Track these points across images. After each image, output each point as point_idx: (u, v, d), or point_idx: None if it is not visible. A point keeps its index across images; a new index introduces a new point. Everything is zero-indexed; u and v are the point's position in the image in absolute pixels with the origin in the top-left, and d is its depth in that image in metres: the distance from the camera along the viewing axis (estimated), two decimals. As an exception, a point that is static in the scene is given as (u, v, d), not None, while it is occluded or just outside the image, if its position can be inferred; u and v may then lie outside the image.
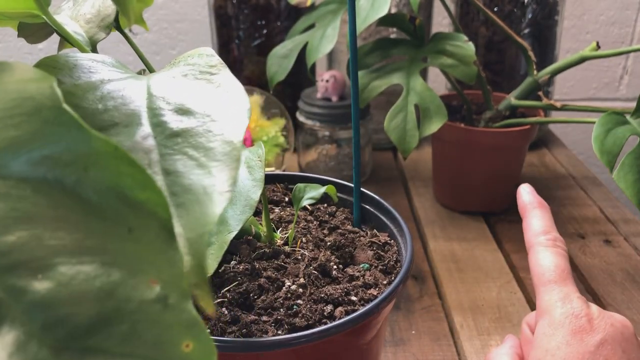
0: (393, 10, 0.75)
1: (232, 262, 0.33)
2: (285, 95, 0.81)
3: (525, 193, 0.37)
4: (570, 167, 0.79)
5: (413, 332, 0.48)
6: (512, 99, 0.63)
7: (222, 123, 0.22)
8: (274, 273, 0.32)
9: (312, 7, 0.67)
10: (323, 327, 0.27)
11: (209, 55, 0.26)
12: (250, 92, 0.75)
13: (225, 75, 0.25)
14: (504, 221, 0.65)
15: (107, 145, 0.16)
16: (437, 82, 0.91)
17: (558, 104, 0.59)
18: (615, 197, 0.71)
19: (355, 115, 0.36)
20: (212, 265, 0.26)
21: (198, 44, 1.00)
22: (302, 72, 0.75)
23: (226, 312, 0.29)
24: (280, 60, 0.62)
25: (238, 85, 0.24)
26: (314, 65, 0.82)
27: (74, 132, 0.17)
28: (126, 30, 0.36)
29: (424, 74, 0.84)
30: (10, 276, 0.15)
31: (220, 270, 0.32)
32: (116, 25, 0.34)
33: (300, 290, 0.31)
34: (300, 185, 0.37)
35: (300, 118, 0.71)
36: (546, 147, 0.85)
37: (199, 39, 1.00)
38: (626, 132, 0.48)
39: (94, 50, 0.32)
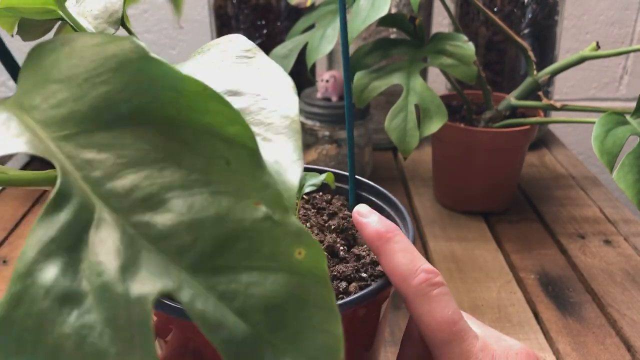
0: (393, 11, 0.75)
1: None
2: (285, 95, 0.81)
3: (373, 221, 0.30)
4: (570, 167, 0.79)
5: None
6: (512, 99, 0.63)
7: (274, 100, 0.23)
8: None
9: (312, 8, 0.67)
10: (348, 298, 0.28)
11: (241, 40, 0.27)
12: (250, 92, 0.75)
13: (263, 58, 0.26)
14: (504, 221, 0.65)
15: (197, 85, 0.18)
16: (437, 82, 0.91)
17: (558, 104, 0.59)
18: (615, 197, 0.71)
19: (349, 101, 0.37)
20: None
21: (198, 44, 1.00)
22: (302, 72, 0.75)
23: None
24: (280, 61, 0.62)
25: (277, 66, 0.25)
26: (314, 66, 0.82)
27: (163, 78, 0.18)
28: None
29: (424, 74, 0.84)
30: (134, 214, 0.17)
31: None
32: (121, 21, 0.35)
33: None
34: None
35: (300, 118, 0.71)
36: (546, 147, 0.85)
37: (199, 39, 1.00)
38: (626, 132, 0.48)
39: None
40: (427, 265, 0.28)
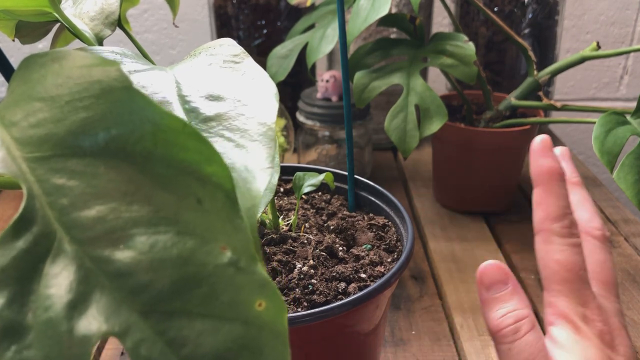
0: (393, 10, 0.75)
1: None
2: (285, 95, 0.81)
3: (547, 154, 0.30)
4: (570, 167, 0.79)
5: (413, 332, 0.48)
6: (512, 99, 0.62)
7: (254, 106, 0.23)
8: (284, 257, 0.33)
9: (312, 8, 0.67)
10: (348, 299, 0.28)
11: (230, 45, 0.27)
12: (250, 92, 0.75)
13: (249, 63, 0.26)
14: (504, 221, 0.65)
15: (176, 121, 0.18)
16: (437, 82, 0.91)
17: (558, 104, 0.59)
18: (616, 198, 0.71)
19: (347, 100, 0.37)
20: None
21: (198, 43, 1.00)
22: (302, 72, 0.75)
23: None
24: (280, 61, 0.62)
25: (262, 72, 0.25)
26: (314, 66, 0.82)
27: (144, 111, 0.18)
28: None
29: (424, 74, 0.84)
30: (94, 247, 0.17)
31: None
32: (118, 22, 0.35)
33: (312, 270, 0.32)
34: (299, 173, 0.38)
35: (300, 118, 0.71)
36: (546, 147, 0.85)
37: (199, 39, 1.00)
38: (626, 133, 0.48)
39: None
40: (574, 219, 0.29)
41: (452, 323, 0.49)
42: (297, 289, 0.31)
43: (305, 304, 0.30)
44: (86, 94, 0.18)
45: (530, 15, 0.75)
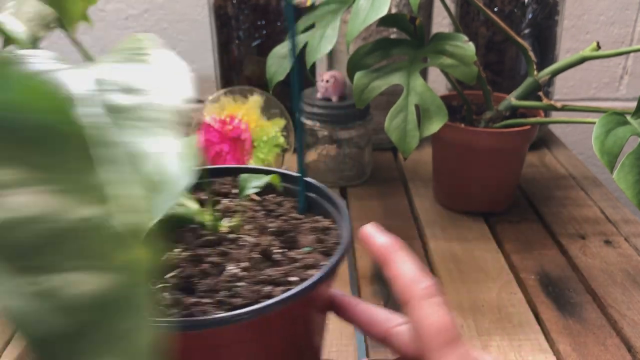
0: (393, 11, 0.75)
1: (177, 249, 0.34)
2: (285, 95, 0.81)
3: (378, 234, 0.32)
4: (570, 168, 0.79)
5: (413, 332, 0.48)
6: (512, 99, 0.62)
7: (163, 96, 0.25)
8: (217, 258, 0.33)
9: (312, 8, 0.66)
10: (260, 305, 0.28)
11: (138, 40, 0.28)
12: (250, 93, 0.75)
13: (160, 54, 0.27)
14: (504, 221, 0.65)
15: (41, 85, 0.18)
16: (437, 82, 0.91)
17: (558, 104, 0.59)
18: (616, 198, 0.71)
19: (296, 91, 0.37)
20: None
21: (198, 44, 1.00)
22: (302, 73, 0.75)
23: (167, 295, 0.30)
24: (280, 61, 0.62)
25: (180, 64, 0.27)
26: (314, 66, 0.82)
27: (10, 79, 0.18)
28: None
29: (424, 74, 0.84)
30: None
31: (164, 258, 0.33)
32: (60, 24, 0.36)
33: (243, 273, 0.32)
34: (244, 175, 0.38)
35: (300, 118, 0.71)
36: (546, 147, 0.85)
37: (199, 39, 1.00)
38: (626, 133, 0.48)
39: (36, 47, 0.33)
40: (431, 280, 0.30)
41: (452, 323, 0.49)
42: (222, 292, 0.30)
43: (225, 307, 0.29)
44: None
45: (530, 16, 0.75)
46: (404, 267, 0.30)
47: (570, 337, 0.48)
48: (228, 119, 0.71)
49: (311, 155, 0.73)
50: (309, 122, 0.70)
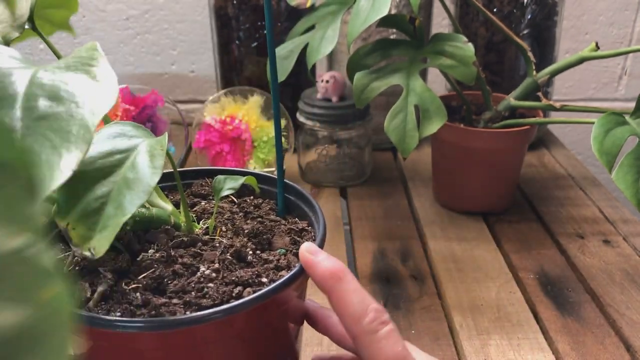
0: (393, 11, 0.75)
1: (150, 250, 0.34)
2: (285, 95, 0.81)
3: (323, 260, 0.30)
4: (569, 168, 0.79)
5: (413, 331, 0.48)
6: (511, 99, 0.63)
7: (85, 110, 0.25)
8: (190, 260, 0.33)
9: (312, 9, 0.67)
10: (227, 305, 0.28)
11: (93, 49, 0.29)
12: (250, 93, 0.75)
13: (102, 68, 0.28)
14: (503, 221, 0.65)
15: None
16: (437, 83, 0.92)
17: (557, 105, 0.59)
18: (615, 197, 0.71)
19: (275, 93, 0.37)
20: (103, 245, 0.27)
21: (198, 44, 1.00)
22: (302, 73, 0.75)
23: (138, 296, 0.30)
24: (280, 62, 0.62)
25: (112, 77, 0.27)
26: (314, 66, 0.82)
27: None
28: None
29: (423, 75, 0.84)
30: None
31: (138, 259, 0.33)
32: (32, 25, 0.37)
33: (214, 274, 0.32)
34: (219, 177, 0.38)
35: (300, 118, 0.72)
36: (545, 147, 0.85)
37: (199, 40, 1.00)
38: (625, 133, 0.48)
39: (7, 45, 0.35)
40: (376, 304, 0.29)
41: (452, 322, 0.49)
42: (192, 292, 0.30)
43: (194, 307, 0.30)
44: None
45: (529, 16, 0.75)
46: (347, 300, 0.29)
47: (569, 336, 0.48)
48: (228, 119, 0.72)
49: (311, 156, 0.73)
50: (309, 122, 0.71)
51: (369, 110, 0.73)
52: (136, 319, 0.28)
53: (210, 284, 0.31)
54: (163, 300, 0.30)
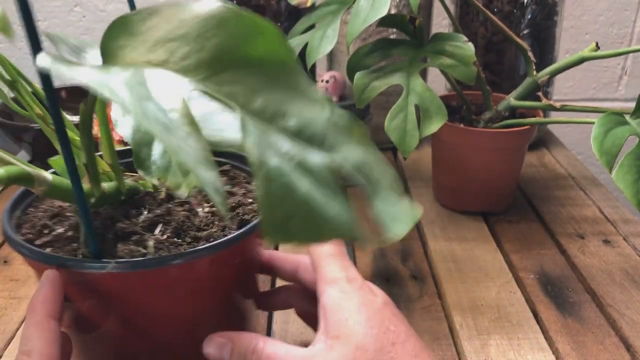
0: (393, 11, 0.75)
1: (145, 212, 0.36)
2: (285, 95, 0.81)
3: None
4: (569, 167, 0.79)
5: (413, 331, 0.48)
6: (511, 99, 0.63)
7: None
8: (182, 209, 0.37)
9: (313, 8, 0.67)
10: (190, 249, 0.31)
11: None
12: (250, 93, 0.75)
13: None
14: (503, 221, 0.65)
15: (272, 29, 0.24)
16: (437, 83, 0.92)
17: (557, 105, 0.59)
18: (615, 197, 0.71)
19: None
20: (192, 183, 0.36)
21: (198, 44, 1.00)
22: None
23: (121, 245, 0.33)
24: (280, 61, 0.62)
25: None
26: (314, 66, 0.82)
27: (254, 27, 0.24)
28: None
29: (423, 74, 0.84)
30: (274, 122, 0.23)
31: (141, 219, 0.36)
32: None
33: (211, 215, 0.37)
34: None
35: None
36: (545, 147, 0.85)
37: (199, 40, 1.00)
38: (625, 133, 0.48)
39: None
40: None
41: (452, 323, 0.49)
42: (211, 226, 0.35)
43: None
44: (208, 27, 0.24)
45: (529, 16, 0.75)
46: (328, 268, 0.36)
47: (569, 336, 0.48)
48: (228, 119, 0.71)
49: (311, 155, 0.73)
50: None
51: (369, 110, 0.73)
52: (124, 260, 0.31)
53: (215, 221, 0.36)
54: (186, 240, 0.34)
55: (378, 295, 0.35)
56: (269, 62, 0.24)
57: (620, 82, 1.09)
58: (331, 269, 0.35)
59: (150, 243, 0.33)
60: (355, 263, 0.58)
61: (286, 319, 0.50)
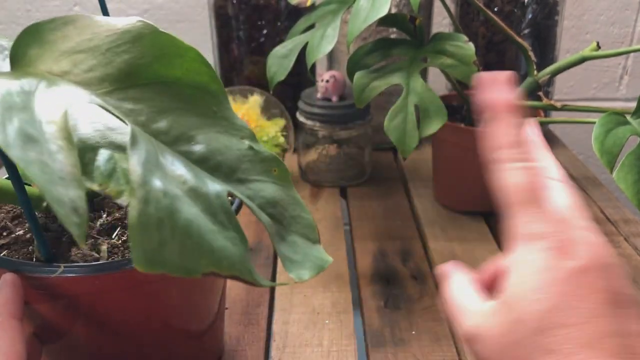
0: (393, 11, 0.75)
1: (104, 215, 0.36)
2: (285, 95, 0.81)
3: (501, 89, 0.31)
4: (570, 167, 0.79)
5: (413, 332, 0.48)
6: (512, 99, 0.62)
7: None
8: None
9: (313, 7, 0.67)
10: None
11: None
12: (250, 92, 0.75)
13: None
14: (504, 221, 0.65)
15: (194, 52, 0.25)
16: (437, 82, 0.91)
17: (558, 104, 0.59)
18: (616, 198, 0.71)
19: None
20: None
21: (198, 44, 1.00)
22: (302, 72, 0.75)
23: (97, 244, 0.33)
24: (280, 60, 0.62)
25: None
26: (314, 66, 0.82)
27: (172, 46, 0.25)
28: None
29: (424, 74, 0.84)
30: (176, 145, 0.24)
31: (101, 222, 0.35)
32: None
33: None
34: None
35: (300, 118, 0.71)
36: (546, 147, 0.85)
37: (199, 39, 1.00)
38: (626, 133, 0.48)
39: None
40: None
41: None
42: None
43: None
44: (121, 42, 0.24)
45: (530, 16, 0.75)
46: (499, 131, 0.30)
47: (570, 336, 0.47)
48: (228, 119, 0.71)
49: (311, 155, 0.73)
50: (309, 122, 0.70)
51: (369, 110, 0.73)
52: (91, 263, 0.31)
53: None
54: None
55: (574, 259, 0.27)
56: (186, 85, 0.24)
57: (621, 81, 1.08)
58: (522, 220, 0.30)
59: (104, 247, 0.32)
60: (355, 263, 0.58)
61: (286, 319, 0.49)
